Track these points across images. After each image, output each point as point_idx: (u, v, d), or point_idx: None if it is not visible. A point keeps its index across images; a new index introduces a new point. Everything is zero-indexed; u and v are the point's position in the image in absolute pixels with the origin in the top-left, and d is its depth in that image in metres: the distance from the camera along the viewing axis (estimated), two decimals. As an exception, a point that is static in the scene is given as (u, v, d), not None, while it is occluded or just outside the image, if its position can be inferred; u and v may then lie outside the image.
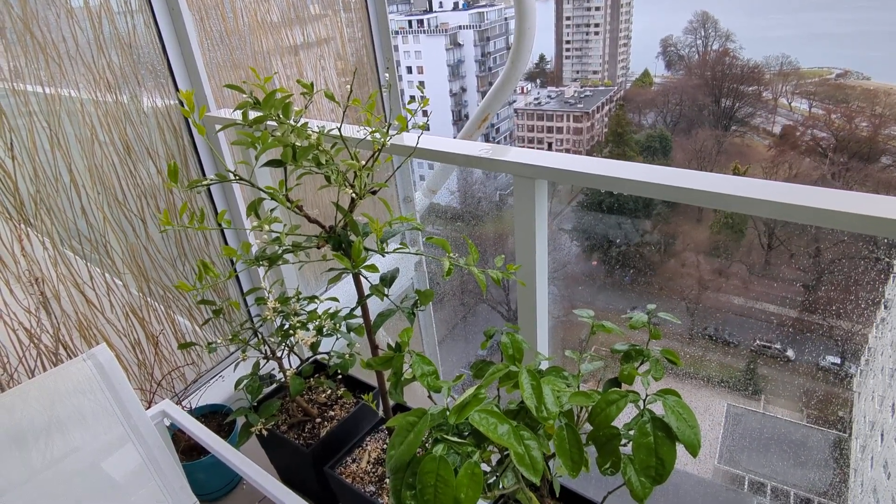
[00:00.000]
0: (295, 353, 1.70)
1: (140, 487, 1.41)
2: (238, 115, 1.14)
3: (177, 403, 1.83)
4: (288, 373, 1.62)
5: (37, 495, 1.27)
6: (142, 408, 1.43)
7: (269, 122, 1.14)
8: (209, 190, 2.19)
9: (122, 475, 1.39)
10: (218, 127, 1.53)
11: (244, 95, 1.13)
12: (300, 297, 1.62)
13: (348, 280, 1.37)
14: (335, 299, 1.63)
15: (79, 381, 1.36)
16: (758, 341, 9.89)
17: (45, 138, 1.76)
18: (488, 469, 1.03)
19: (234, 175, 1.13)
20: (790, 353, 9.58)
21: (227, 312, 2.32)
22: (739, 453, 8.56)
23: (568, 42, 33.69)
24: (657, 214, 13.24)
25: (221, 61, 2.20)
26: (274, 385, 1.73)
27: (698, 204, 1.08)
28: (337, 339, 1.58)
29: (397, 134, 1.18)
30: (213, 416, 2.00)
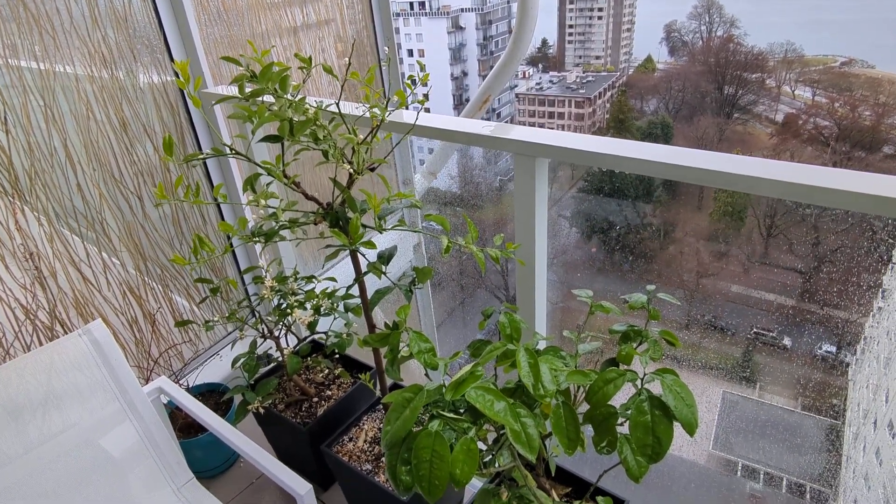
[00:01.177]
0: (292, 333, 1.70)
1: (137, 464, 1.42)
2: (235, 90, 1.12)
3: (174, 382, 1.84)
4: (285, 352, 1.62)
5: (33, 469, 1.27)
6: (138, 384, 1.43)
7: (266, 98, 1.13)
8: (206, 169, 2.17)
9: (119, 451, 1.40)
10: (214, 101, 1.51)
11: (241, 69, 1.11)
12: (298, 276, 1.61)
13: (346, 262, 1.36)
14: (333, 279, 1.62)
15: (75, 356, 1.36)
16: (755, 329, 9.93)
17: (40, 114, 1.74)
18: (484, 447, 1.03)
19: (231, 149, 1.12)
20: (787, 341, 9.62)
21: (225, 291, 2.32)
22: (734, 439, 8.64)
23: (571, 26, 33.30)
24: (657, 201, 13.21)
25: (219, 38, 2.16)
26: (271, 364, 1.73)
27: (701, 183, 1.07)
28: (335, 318, 1.57)
29: (396, 109, 1.16)
30: (211, 395, 2.00)
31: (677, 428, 0.88)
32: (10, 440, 1.26)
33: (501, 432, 1.01)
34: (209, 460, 1.90)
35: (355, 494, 1.67)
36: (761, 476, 8.21)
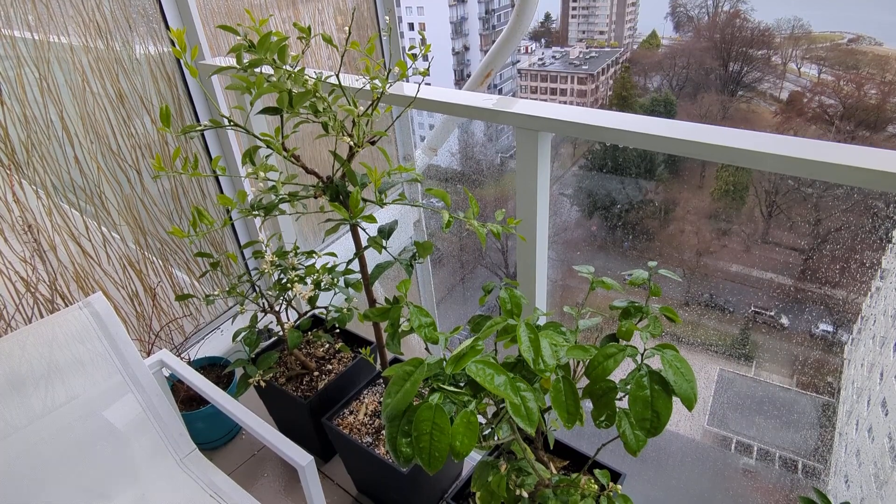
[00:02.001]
0: (293, 307, 1.70)
1: (140, 435, 1.43)
2: (232, 60, 1.10)
3: (175, 355, 1.85)
4: (286, 326, 1.63)
5: (38, 439, 1.29)
6: (140, 356, 1.44)
7: (265, 69, 1.10)
8: (205, 143, 2.15)
9: (122, 422, 1.41)
10: (212, 71, 1.48)
11: (238, 39, 1.09)
12: (298, 251, 1.61)
13: (347, 237, 1.35)
14: (333, 254, 1.62)
15: (76, 329, 1.36)
16: (753, 308, 9.98)
17: (35, 85, 1.71)
18: (484, 421, 1.04)
19: (229, 121, 1.10)
20: (784, 320, 9.67)
21: (225, 266, 2.31)
22: (729, 416, 8.76)
23: (575, 0, 32.65)
24: (658, 179, 13.14)
25: (215, 8, 2.12)
26: (272, 339, 1.74)
27: (705, 158, 1.05)
28: (335, 293, 1.58)
29: (397, 81, 1.14)
30: (212, 369, 2.02)
31: (674, 404, 0.88)
32: (14, 411, 1.27)
33: (501, 406, 1.02)
34: (211, 432, 1.92)
35: (355, 466, 1.69)
36: (755, 451, 8.35)
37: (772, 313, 9.81)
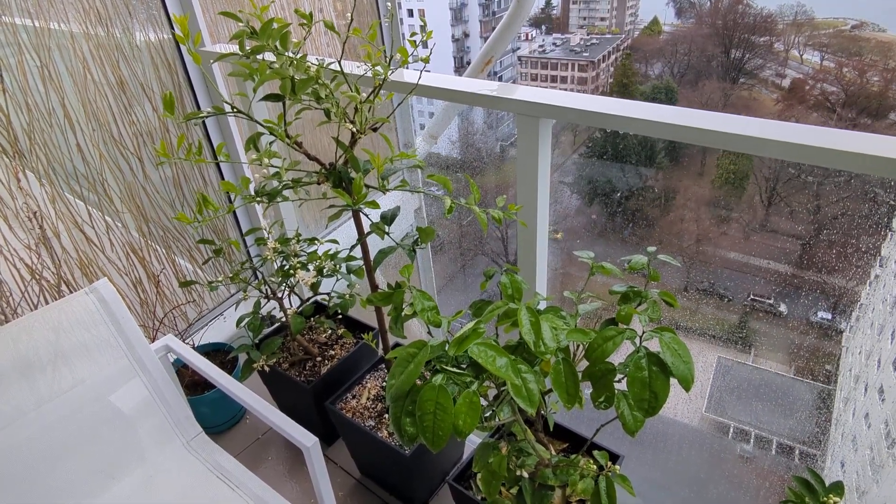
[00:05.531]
0: (295, 294, 1.72)
1: (147, 418, 1.46)
2: (233, 46, 1.11)
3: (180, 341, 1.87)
4: (288, 312, 1.64)
5: (46, 423, 1.31)
6: (146, 341, 1.45)
7: (267, 56, 1.11)
8: (206, 130, 2.15)
9: (129, 406, 1.44)
10: (214, 58, 1.48)
11: (240, 25, 1.09)
12: (300, 238, 1.62)
13: (349, 224, 1.36)
14: (335, 241, 1.63)
15: (82, 314, 1.38)
16: (752, 296, 10.02)
17: (37, 72, 1.71)
18: (485, 403, 1.06)
19: (232, 107, 1.11)
20: (783, 308, 9.71)
21: (228, 253, 2.33)
22: (727, 403, 8.83)
23: (576, -14, 32.30)
24: (659, 166, 13.12)
25: (215, -6, 2.11)
26: (275, 325, 1.76)
27: (706, 144, 1.06)
28: (337, 280, 1.59)
29: (399, 68, 1.15)
30: (216, 354, 2.04)
31: (672, 389, 0.90)
32: (23, 395, 1.29)
33: (502, 388, 1.04)
34: (216, 416, 1.95)
35: (359, 449, 1.72)
36: (752, 438, 8.43)
37: (770, 301, 9.85)
